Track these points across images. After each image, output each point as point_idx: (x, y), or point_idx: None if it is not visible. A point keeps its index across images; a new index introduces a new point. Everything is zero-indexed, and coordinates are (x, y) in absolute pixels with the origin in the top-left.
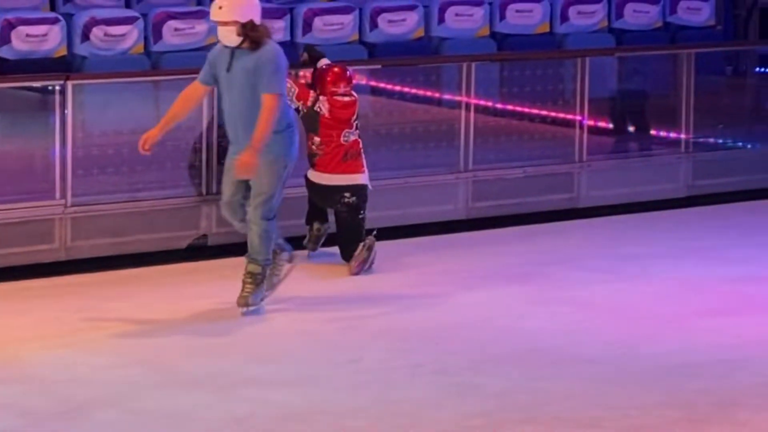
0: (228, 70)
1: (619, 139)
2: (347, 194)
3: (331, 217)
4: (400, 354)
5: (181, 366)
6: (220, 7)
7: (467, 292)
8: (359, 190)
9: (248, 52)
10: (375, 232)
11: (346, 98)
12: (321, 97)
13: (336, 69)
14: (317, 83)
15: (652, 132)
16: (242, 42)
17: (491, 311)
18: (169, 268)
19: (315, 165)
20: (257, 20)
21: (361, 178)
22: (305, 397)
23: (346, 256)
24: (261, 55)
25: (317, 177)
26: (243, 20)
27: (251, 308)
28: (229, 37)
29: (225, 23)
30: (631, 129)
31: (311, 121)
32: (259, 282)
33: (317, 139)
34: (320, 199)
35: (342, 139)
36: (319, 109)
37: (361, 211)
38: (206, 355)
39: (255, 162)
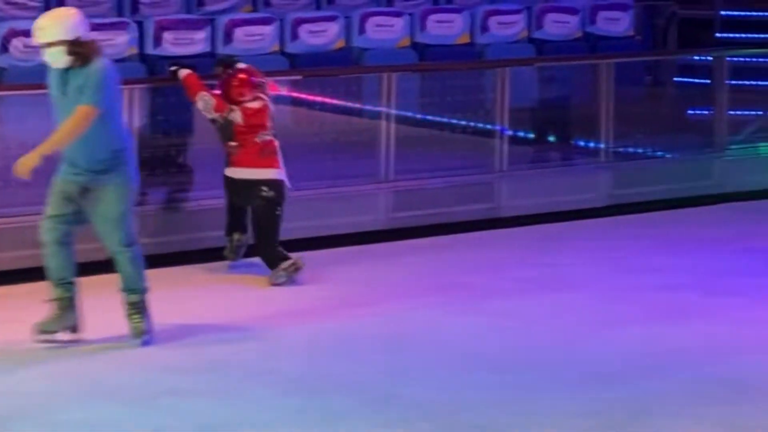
0: (63, 92)
1: (540, 148)
2: (265, 188)
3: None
4: (318, 365)
5: (99, 377)
6: (43, 28)
7: (386, 302)
8: (277, 185)
9: (78, 71)
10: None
11: (256, 104)
12: (233, 107)
13: (240, 76)
14: (225, 93)
15: (573, 141)
16: (73, 61)
17: (411, 321)
18: (85, 279)
19: (232, 162)
20: (84, 36)
21: (278, 174)
22: (224, 407)
23: (262, 252)
24: (88, 71)
25: (234, 172)
26: (69, 38)
27: (146, 337)
28: (58, 58)
29: (50, 44)
30: (552, 139)
31: (227, 130)
32: (143, 309)
33: (233, 144)
34: (238, 196)
35: (257, 139)
36: (233, 119)
37: (279, 207)
38: (124, 366)
39: (33, 163)
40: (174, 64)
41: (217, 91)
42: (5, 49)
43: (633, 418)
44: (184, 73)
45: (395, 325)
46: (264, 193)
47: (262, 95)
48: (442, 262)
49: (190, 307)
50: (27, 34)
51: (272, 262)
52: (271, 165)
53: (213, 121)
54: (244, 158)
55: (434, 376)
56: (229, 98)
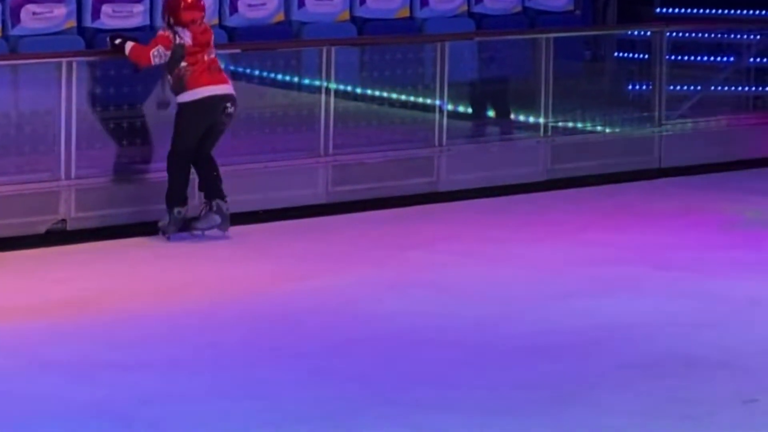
0: None
1: (479, 123)
2: (228, 104)
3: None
4: (259, 337)
5: (39, 351)
6: None
7: (326, 275)
8: (234, 101)
9: None
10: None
11: (202, 26)
12: (178, 29)
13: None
14: (169, 15)
15: (512, 116)
16: None
17: (350, 295)
18: (27, 252)
19: (187, 85)
20: None
21: (231, 89)
22: (164, 380)
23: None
24: None
25: (194, 94)
26: None
27: None
28: None
29: None
30: (491, 113)
31: (176, 57)
32: None
33: (183, 64)
34: (203, 118)
35: (206, 57)
36: (182, 41)
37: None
38: (64, 339)
39: None
40: (116, 37)
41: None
42: None
43: (579, 391)
44: (129, 46)
45: (334, 298)
46: (228, 110)
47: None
48: (380, 236)
49: (127, 281)
50: None
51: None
52: (226, 80)
53: (170, 60)
54: (199, 78)
55: (373, 349)
56: (180, 21)
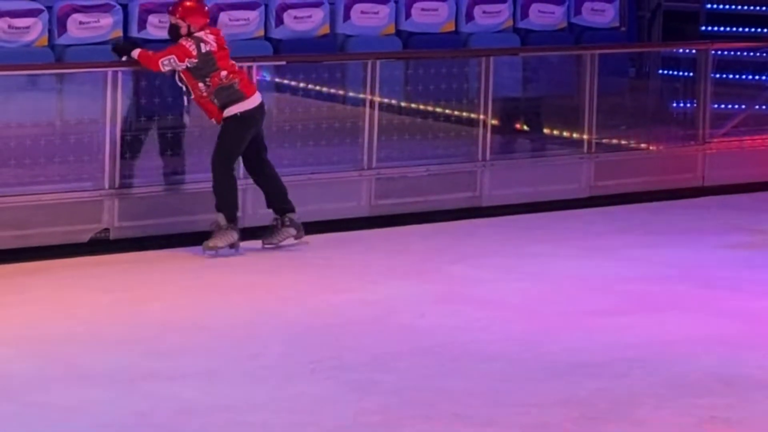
0: None
1: (523, 138)
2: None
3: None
4: (299, 350)
5: (80, 360)
6: None
7: (368, 288)
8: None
9: None
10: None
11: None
12: (199, 35)
13: (187, 4)
14: (188, 22)
15: (555, 132)
16: None
17: (391, 308)
18: (71, 261)
19: (244, 95)
20: None
21: None
22: (204, 391)
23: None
24: None
25: (250, 103)
26: None
27: None
28: None
29: None
30: (535, 129)
31: (209, 67)
32: None
33: (223, 73)
34: (254, 127)
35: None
36: (209, 48)
37: None
38: (105, 349)
39: None
40: (120, 49)
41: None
42: None
43: (617, 409)
44: (136, 53)
45: (375, 311)
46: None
47: None
48: (423, 250)
49: (169, 291)
50: (12, 14)
51: None
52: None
53: (188, 70)
54: (250, 85)
55: (414, 364)
56: (200, 25)
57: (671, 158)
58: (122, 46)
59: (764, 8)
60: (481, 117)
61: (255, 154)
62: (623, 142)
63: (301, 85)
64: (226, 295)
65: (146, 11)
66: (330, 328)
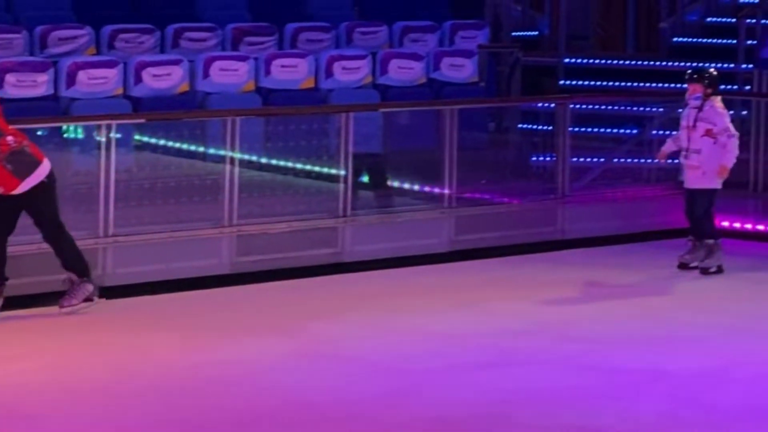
0: None
1: (384, 194)
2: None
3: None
4: (162, 410)
5: None
6: None
7: (232, 346)
8: None
9: None
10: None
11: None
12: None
13: None
14: None
15: (416, 187)
16: None
17: (255, 366)
18: None
19: (39, 158)
20: None
21: None
22: None
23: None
24: None
25: (47, 164)
26: None
27: None
28: None
29: None
30: (396, 184)
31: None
32: None
33: (9, 138)
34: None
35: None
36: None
37: None
38: None
39: None
40: None
41: None
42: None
43: None
44: None
45: (239, 369)
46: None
47: None
48: (285, 307)
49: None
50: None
51: None
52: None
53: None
54: (38, 148)
55: (276, 422)
56: None
57: (531, 212)
58: None
59: (621, 62)
60: (342, 173)
61: (14, 223)
62: (484, 196)
63: (161, 142)
64: (84, 355)
65: (4, 70)
66: (192, 387)
